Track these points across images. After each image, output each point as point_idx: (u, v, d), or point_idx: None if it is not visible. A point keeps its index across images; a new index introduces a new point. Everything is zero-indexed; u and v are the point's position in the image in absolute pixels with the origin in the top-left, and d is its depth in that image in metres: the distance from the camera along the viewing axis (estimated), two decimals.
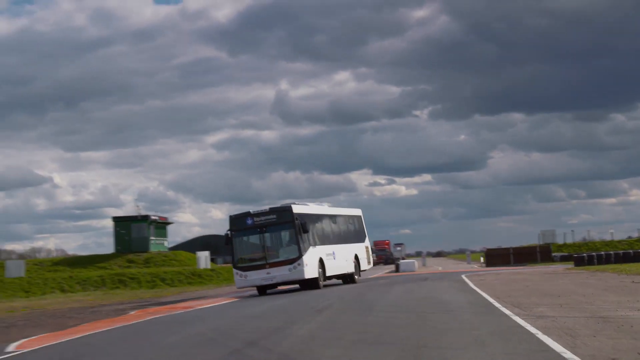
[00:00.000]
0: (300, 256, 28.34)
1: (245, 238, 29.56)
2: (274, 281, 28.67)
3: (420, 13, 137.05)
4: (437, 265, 64.64)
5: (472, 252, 66.19)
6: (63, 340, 14.45)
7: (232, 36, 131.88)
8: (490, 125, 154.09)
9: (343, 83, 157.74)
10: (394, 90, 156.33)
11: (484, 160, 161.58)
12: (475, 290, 21.89)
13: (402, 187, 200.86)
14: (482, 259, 57.76)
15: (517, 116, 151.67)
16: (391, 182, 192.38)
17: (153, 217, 52.36)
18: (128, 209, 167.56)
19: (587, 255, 42.38)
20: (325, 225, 32.34)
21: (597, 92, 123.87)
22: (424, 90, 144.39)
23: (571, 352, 8.45)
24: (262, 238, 28.96)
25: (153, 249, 51.93)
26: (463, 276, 33.65)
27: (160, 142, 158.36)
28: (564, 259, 50.07)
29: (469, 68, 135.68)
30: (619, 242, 60.39)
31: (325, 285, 30.01)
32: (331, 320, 14.49)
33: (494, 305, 15.87)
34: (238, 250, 29.14)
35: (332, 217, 34.12)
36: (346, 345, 10.32)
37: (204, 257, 48.72)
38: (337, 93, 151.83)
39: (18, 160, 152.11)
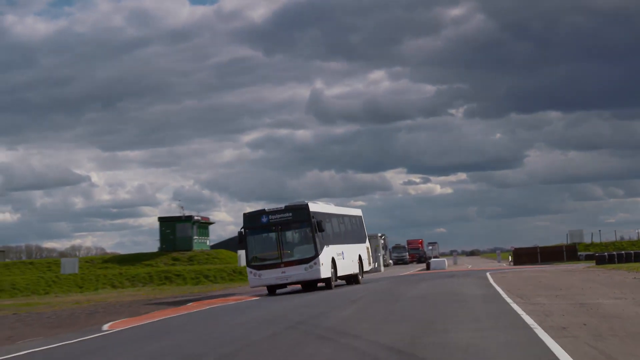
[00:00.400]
0: (316, 255, 28.22)
1: (259, 236, 29.22)
2: (289, 280, 28.55)
3: (455, 11, 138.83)
4: (468, 264, 67.75)
5: (503, 251, 68.97)
6: (146, 322, 18.03)
7: (267, 36, 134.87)
8: (527, 124, 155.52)
9: (378, 82, 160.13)
10: (429, 89, 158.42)
11: (520, 159, 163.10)
12: (492, 285, 25.05)
13: (437, 186, 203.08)
14: (510, 258, 60.78)
15: (553, 114, 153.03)
16: (426, 180, 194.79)
17: (196, 218, 56.17)
18: (165, 208, 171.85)
19: (608, 255, 45.27)
20: (335, 224, 31.96)
21: (636, 90, 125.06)
22: (459, 88, 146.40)
23: (538, 324, 11.73)
24: (277, 236, 28.61)
25: (196, 247, 55.75)
26: (487, 274, 36.74)
27: (195, 142, 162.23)
28: (588, 258, 52.90)
29: (505, 66, 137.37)
30: None
31: (335, 286, 30.03)
32: (364, 307, 17.89)
33: (501, 296, 19.09)
34: (252, 248, 28.92)
35: (341, 217, 34.01)
36: (375, 322, 13.71)
37: (244, 255, 52.36)
38: (371, 92, 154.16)
39: (56, 160, 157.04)
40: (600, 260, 44.06)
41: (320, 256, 28.23)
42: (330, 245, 29.75)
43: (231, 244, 72.61)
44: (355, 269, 33.40)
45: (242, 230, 29.03)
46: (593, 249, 60.51)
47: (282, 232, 28.65)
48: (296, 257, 28.53)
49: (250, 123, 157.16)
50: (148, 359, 10.57)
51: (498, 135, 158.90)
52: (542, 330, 10.83)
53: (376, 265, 61.56)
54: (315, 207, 29.94)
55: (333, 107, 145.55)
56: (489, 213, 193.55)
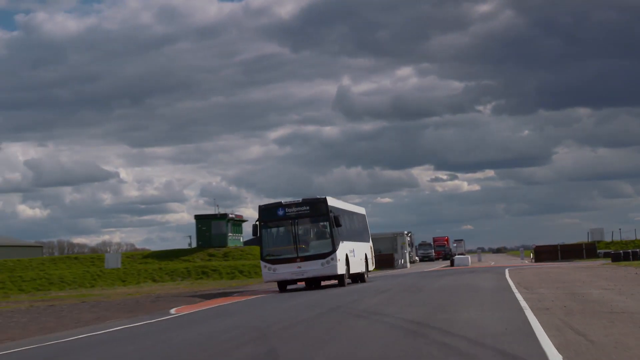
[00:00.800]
0: (333, 250, 28.14)
1: (275, 230, 29.10)
2: (305, 276, 28.57)
3: (483, 7, 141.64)
4: (491, 261, 70.99)
5: (528, 248, 72.10)
6: (207, 307, 21.61)
7: (295, 32, 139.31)
8: (555, 121, 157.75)
9: (405, 78, 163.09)
10: (457, 85, 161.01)
11: (549, 156, 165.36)
12: (506, 280, 28.35)
13: (465, 183, 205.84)
14: (531, 255, 63.93)
15: (583, 111, 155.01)
16: (453, 177, 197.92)
17: (231, 216, 59.91)
18: (192, 204, 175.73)
19: (624, 252, 48.35)
20: (347, 221, 31.55)
21: None
22: (487, 85, 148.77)
23: (529, 307, 15.06)
24: (294, 230, 28.40)
25: (230, 244, 59.51)
26: (506, 270, 40.02)
27: (223, 138, 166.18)
28: (606, 256, 55.95)
29: (534, 63, 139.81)
30: None
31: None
32: (391, 296, 21.35)
33: (510, 288, 22.42)
34: (267, 242, 28.66)
35: (351, 214, 33.91)
36: (400, 306, 17.16)
37: None
38: (399, 88, 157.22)
39: (85, 156, 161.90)
40: (616, 258, 47.16)
41: (337, 252, 28.25)
42: (344, 242, 29.72)
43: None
44: (362, 268, 33.55)
45: (257, 222, 28.82)
46: (613, 247, 63.40)
47: (298, 226, 28.45)
48: (312, 252, 28.35)
49: (277, 119, 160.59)
50: (226, 329, 14.09)
51: (526, 132, 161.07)
52: (530, 311, 14.19)
53: (402, 262, 65.03)
54: (332, 201, 29.97)
55: (360, 103, 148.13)
56: (516, 210, 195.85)
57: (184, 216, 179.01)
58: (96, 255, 64.69)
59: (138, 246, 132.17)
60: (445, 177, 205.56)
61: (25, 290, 48.01)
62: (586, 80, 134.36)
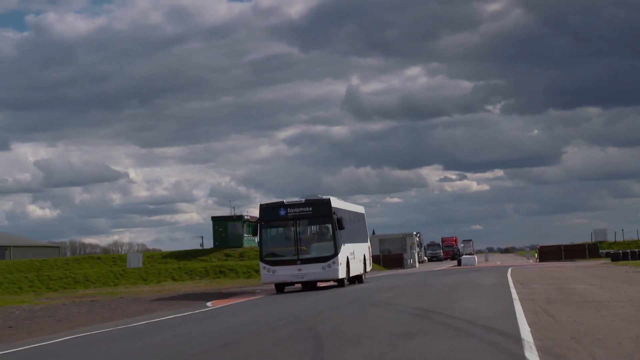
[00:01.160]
0: (335, 254, 27.92)
1: (276, 230, 28.81)
2: (305, 279, 28.31)
3: (493, 6, 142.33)
4: (497, 261, 74.06)
5: (534, 248, 75.17)
6: (239, 301, 24.75)
7: (304, 32, 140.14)
8: (565, 120, 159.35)
9: (414, 78, 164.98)
10: (466, 85, 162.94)
11: (558, 156, 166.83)
12: (507, 277, 31.36)
13: (474, 183, 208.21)
14: (535, 255, 66.99)
15: (592, 110, 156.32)
16: (462, 177, 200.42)
17: (246, 217, 63.07)
18: (201, 205, 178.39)
19: (623, 252, 51.39)
20: (348, 222, 30.96)
21: None
22: (496, 84, 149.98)
23: (519, 298, 18.16)
24: (295, 231, 28.08)
25: (246, 244, 62.68)
26: (510, 269, 43.10)
27: (232, 138, 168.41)
28: (607, 255, 58.98)
29: (543, 62, 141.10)
30: None
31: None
32: (402, 291, 24.46)
33: (508, 284, 25.46)
34: (267, 242, 28.35)
35: (352, 214, 33.64)
36: (409, 298, 20.29)
37: None
38: (408, 88, 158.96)
39: (95, 156, 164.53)
40: (615, 257, 50.20)
41: (339, 255, 28.05)
42: (346, 244, 29.45)
43: None
44: (361, 270, 33.36)
45: (257, 222, 28.70)
46: (616, 247, 66.34)
47: (300, 227, 28.17)
48: (314, 254, 28.09)
49: (286, 119, 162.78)
50: (267, 315, 17.24)
51: (536, 131, 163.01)
52: (518, 301, 17.28)
53: (411, 262, 68.13)
54: (336, 202, 29.54)
55: (369, 103, 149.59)
56: (525, 210, 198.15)
57: (193, 216, 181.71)
58: (117, 255, 68.02)
59: (149, 246, 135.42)
60: (454, 176, 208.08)
61: (52, 288, 51.21)
62: (596, 80, 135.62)
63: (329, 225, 28.16)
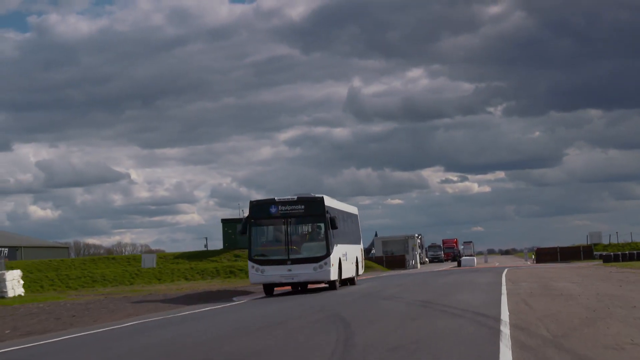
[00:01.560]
0: (327, 254, 27.57)
1: (265, 228, 28.43)
2: (295, 280, 27.78)
3: (494, 9, 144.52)
4: (496, 262, 77.76)
5: (532, 250, 78.89)
6: (262, 297, 28.37)
7: (306, 34, 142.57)
8: (566, 122, 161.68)
9: (416, 80, 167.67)
10: (468, 87, 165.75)
11: (559, 158, 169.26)
12: (501, 277, 34.99)
13: (475, 184, 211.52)
14: (532, 257, 70.72)
15: (594, 112, 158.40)
16: (464, 179, 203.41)
17: None
18: (202, 206, 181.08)
19: (614, 254, 55.10)
20: (341, 222, 30.50)
21: None
22: (498, 86, 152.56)
23: (506, 293, 21.80)
24: (286, 230, 27.64)
25: None
26: (506, 269, 46.76)
27: (233, 139, 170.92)
28: (601, 257, 62.69)
29: (545, 64, 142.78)
30: None
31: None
32: (405, 288, 28.10)
33: (501, 282, 29.06)
34: (256, 241, 28.00)
35: (345, 214, 33.37)
36: (413, 293, 23.95)
37: None
38: (409, 90, 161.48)
39: (96, 157, 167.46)
40: (607, 259, 53.89)
41: (331, 256, 27.72)
42: (338, 245, 29.16)
43: None
44: (353, 272, 33.05)
45: (246, 219, 28.19)
46: (610, 249, 70.02)
47: (291, 226, 27.72)
48: (305, 254, 27.77)
49: (288, 121, 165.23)
50: (294, 306, 20.88)
51: (537, 133, 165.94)
52: (505, 295, 20.91)
53: (413, 263, 71.84)
54: (329, 201, 29.18)
55: (370, 105, 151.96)
56: (527, 212, 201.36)
57: (194, 217, 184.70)
58: (131, 255, 71.72)
59: (152, 247, 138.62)
60: (455, 178, 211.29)
61: (72, 287, 54.83)
62: (597, 82, 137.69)
63: (322, 225, 27.75)
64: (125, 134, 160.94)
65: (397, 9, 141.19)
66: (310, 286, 30.82)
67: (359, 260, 35.29)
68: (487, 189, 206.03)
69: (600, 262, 55.52)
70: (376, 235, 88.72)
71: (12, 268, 50.90)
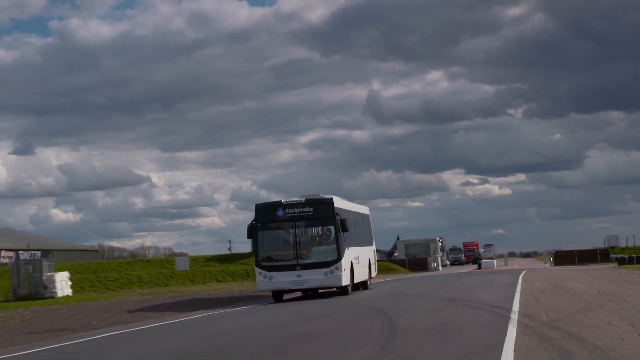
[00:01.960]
0: (339, 259, 26.78)
1: (273, 232, 27.47)
2: (305, 286, 27.16)
3: (515, 11, 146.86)
4: (515, 264, 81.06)
5: (549, 253, 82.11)
6: (300, 295, 32.00)
7: (325, 37, 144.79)
8: (587, 124, 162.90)
9: (435, 82, 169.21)
10: (488, 89, 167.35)
11: (581, 160, 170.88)
12: (518, 278, 38.44)
13: (496, 187, 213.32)
14: (551, 259, 74.00)
15: (615, 114, 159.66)
16: (484, 181, 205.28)
17: None
18: (222, 209, 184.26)
19: (629, 257, 58.31)
20: (352, 224, 29.55)
21: None
22: (518, 88, 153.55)
23: (520, 291, 25.29)
24: (294, 234, 26.81)
25: None
26: (524, 271, 50.16)
27: (253, 142, 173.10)
28: (616, 260, 65.89)
29: (565, 66, 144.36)
30: None
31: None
32: (430, 287, 31.63)
33: (517, 282, 32.52)
34: (263, 246, 27.22)
35: (357, 215, 32.62)
36: (437, 292, 27.47)
37: None
38: (429, 92, 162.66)
39: (117, 160, 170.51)
40: (622, 262, 57.13)
41: (342, 260, 27.00)
42: (350, 248, 28.48)
43: None
44: (365, 275, 32.45)
45: (253, 223, 27.03)
46: (627, 252, 73.19)
47: (300, 229, 26.93)
48: (315, 259, 27.05)
49: (307, 124, 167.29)
50: (336, 302, 24.45)
51: (558, 135, 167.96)
52: (518, 293, 24.40)
53: (435, 265, 75.29)
54: (339, 202, 28.44)
55: (390, 107, 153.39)
56: (548, 214, 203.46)
57: (214, 220, 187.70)
58: (165, 258, 75.67)
59: (175, 250, 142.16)
60: (476, 181, 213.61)
61: (111, 288, 58.69)
62: (618, 84, 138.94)
63: (332, 227, 27.10)
64: (145, 137, 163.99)
65: (416, 12, 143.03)
66: (320, 290, 29.96)
67: (372, 262, 34.58)
68: (507, 191, 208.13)
69: (616, 264, 58.69)
70: (398, 238, 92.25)
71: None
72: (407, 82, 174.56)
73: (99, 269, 66.65)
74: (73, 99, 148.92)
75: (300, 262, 26.77)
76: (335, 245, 26.97)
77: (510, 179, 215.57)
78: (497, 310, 17.75)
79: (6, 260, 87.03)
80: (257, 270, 27.23)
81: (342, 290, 27.99)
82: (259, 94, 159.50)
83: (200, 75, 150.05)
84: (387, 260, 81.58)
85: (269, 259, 27.31)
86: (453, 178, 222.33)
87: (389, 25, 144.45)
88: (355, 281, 29.60)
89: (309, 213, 27.03)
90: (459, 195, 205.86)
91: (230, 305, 27.01)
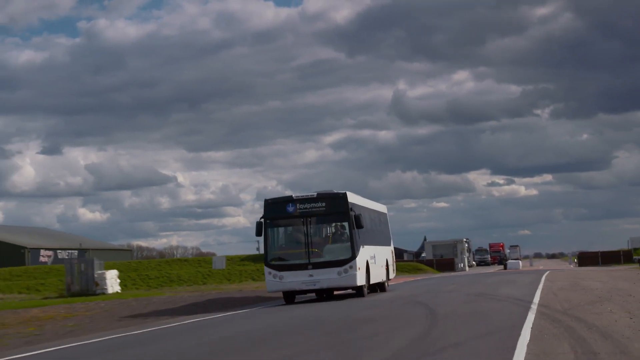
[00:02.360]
0: (353, 257, 25.91)
1: (283, 229, 26.85)
2: (317, 286, 26.22)
3: (542, 10, 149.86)
4: (541, 265, 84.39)
5: (573, 254, 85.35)
6: (342, 292, 35.66)
7: (351, 37, 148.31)
8: (615, 124, 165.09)
9: (461, 82, 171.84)
10: (514, 89, 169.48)
11: (608, 160, 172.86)
12: (541, 277, 41.87)
13: (522, 187, 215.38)
14: (575, 260, 77.27)
15: None
16: (510, 182, 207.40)
17: None
18: (248, 209, 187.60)
19: None
20: (367, 221, 28.78)
21: None
22: (545, 89, 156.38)
23: (541, 288, 28.80)
24: (306, 231, 25.95)
25: None
26: (548, 271, 53.51)
27: (278, 142, 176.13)
28: (639, 261, 69.03)
29: (593, 66, 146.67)
30: None
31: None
32: (459, 286, 35.15)
33: (540, 281, 35.97)
34: (273, 244, 26.44)
35: (372, 212, 31.83)
36: (467, 288, 31.03)
37: None
38: (455, 93, 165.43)
39: (144, 160, 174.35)
40: None
41: (357, 259, 26.13)
42: (365, 246, 27.69)
43: None
44: (383, 276, 31.76)
45: (262, 220, 26.13)
46: None
47: (311, 226, 26.08)
48: (328, 258, 26.11)
49: (333, 124, 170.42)
50: (377, 296, 28.08)
51: (585, 136, 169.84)
52: (540, 289, 27.91)
53: (462, 266, 78.77)
54: (353, 197, 27.51)
55: (416, 107, 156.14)
56: (575, 215, 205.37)
57: (240, 220, 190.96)
58: (201, 257, 79.70)
59: (202, 249, 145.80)
60: (502, 181, 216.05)
61: (152, 285, 62.64)
62: None
63: (346, 224, 26.25)
64: (172, 137, 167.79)
65: (443, 12, 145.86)
66: (336, 292, 29.64)
67: (390, 263, 33.87)
68: (534, 192, 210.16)
69: (637, 265, 61.84)
70: (425, 239, 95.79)
71: None
72: (433, 83, 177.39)
73: (140, 268, 70.64)
74: (100, 99, 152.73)
75: (312, 260, 25.87)
76: (349, 243, 26.11)
77: (536, 179, 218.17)
78: (520, 302, 21.34)
79: (45, 259, 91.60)
80: (267, 269, 26.36)
81: (358, 291, 27.25)
82: (285, 94, 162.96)
83: (226, 75, 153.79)
84: (415, 261, 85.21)
85: (279, 257, 26.51)
86: (479, 178, 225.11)
87: (414, 25, 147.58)
88: (372, 282, 28.78)
89: (321, 208, 26.14)
90: (484, 196, 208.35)
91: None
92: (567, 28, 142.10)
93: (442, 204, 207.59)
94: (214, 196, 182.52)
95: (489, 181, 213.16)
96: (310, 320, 19.26)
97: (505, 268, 72.51)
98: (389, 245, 35.42)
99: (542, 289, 27.90)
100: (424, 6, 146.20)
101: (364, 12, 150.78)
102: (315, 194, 26.28)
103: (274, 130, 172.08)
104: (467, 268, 79.76)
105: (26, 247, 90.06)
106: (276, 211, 26.20)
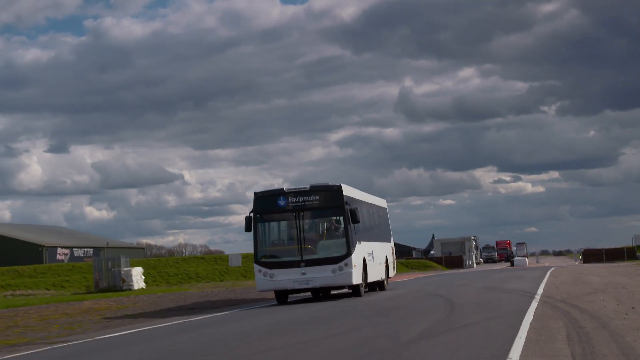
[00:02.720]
0: (348, 254, 24.78)
1: (273, 224, 25.72)
2: (310, 285, 25.14)
3: (548, 7, 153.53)
4: (546, 262, 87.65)
5: (578, 251, 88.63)
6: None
7: (357, 35, 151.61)
8: (622, 121, 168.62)
9: (467, 80, 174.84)
10: (521, 86, 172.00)
11: (615, 157, 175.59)
12: (546, 273, 45.14)
13: (528, 185, 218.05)
14: (580, 257, 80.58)
15: None
16: (517, 179, 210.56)
17: None
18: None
19: None
20: (365, 215, 28.03)
21: None
22: (552, 85, 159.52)
23: (545, 282, 32.10)
24: (298, 226, 24.84)
25: None
26: (553, 268, 56.73)
27: (284, 140, 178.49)
28: None
29: (599, 63, 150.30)
30: None
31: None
32: (470, 281, 38.47)
33: (544, 276, 39.25)
34: (263, 239, 25.24)
35: (371, 207, 30.81)
36: (477, 283, 34.35)
37: None
38: (461, 90, 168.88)
39: (150, 158, 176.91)
40: None
41: (352, 255, 25.01)
42: (362, 242, 26.61)
43: None
44: (382, 274, 30.81)
45: (251, 214, 25.04)
46: None
47: (304, 221, 25.03)
48: (321, 254, 25.07)
49: (339, 121, 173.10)
50: (396, 290, 31.38)
51: (592, 132, 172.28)
52: (544, 283, 31.16)
53: (470, 263, 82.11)
54: (348, 190, 26.33)
55: (422, 105, 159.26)
56: (581, 212, 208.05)
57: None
58: (217, 255, 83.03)
59: (209, 247, 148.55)
60: (508, 178, 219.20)
61: (171, 282, 65.98)
62: None
63: (340, 218, 25.22)
64: (178, 135, 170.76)
65: (449, 9, 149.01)
66: (332, 292, 28.75)
67: (390, 260, 32.86)
68: (540, 189, 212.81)
69: (639, 262, 65.13)
70: (434, 237, 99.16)
71: None
72: (439, 80, 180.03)
73: (159, 265, 73.92)
74: (107, 97, 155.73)
75: (305, 257, 24.79)
76: (344, 239, 25.07)
77: (543, 176, 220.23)
78: (526, 294, 24.65)
79: (62, 257, 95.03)
80: (256, 267, 25.21)
81: (354, 291, 26.31)
82: (291, 92, 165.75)
83: (232, 73, 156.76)
84: (424, 258, 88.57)
85: (270, 254, 25.51)
86: (485, 176, 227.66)
87: (420, 22, 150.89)
88: (370, 280, 27.84)
89: (314, 202, 25.06)
90: (491, 193, 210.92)
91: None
92: (573, 24, 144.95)
93: (449, 201, 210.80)
94: (221, 194, 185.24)
95: (496, 178, 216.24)
96: (348, 308, 22.53)
97: (512, 265, 75.77)
98: (389, 241, 34.39)
99: (546, 283, 31.14)
100: (429, 3, 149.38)
101: (369, 9, 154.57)
102: (308, 186, 25.29)
103: (280, 128, 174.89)
104: (474, 265, 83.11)
105: (44, 246, 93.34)
106: (267, 205, 25.22)
